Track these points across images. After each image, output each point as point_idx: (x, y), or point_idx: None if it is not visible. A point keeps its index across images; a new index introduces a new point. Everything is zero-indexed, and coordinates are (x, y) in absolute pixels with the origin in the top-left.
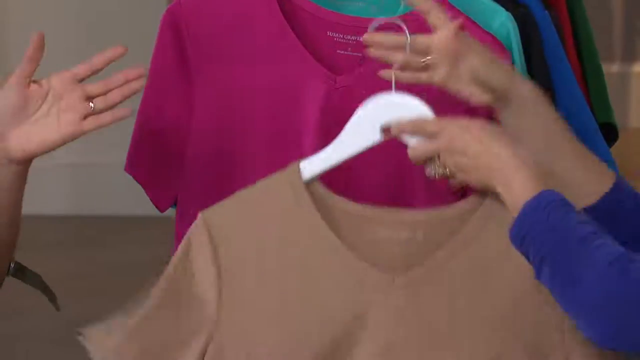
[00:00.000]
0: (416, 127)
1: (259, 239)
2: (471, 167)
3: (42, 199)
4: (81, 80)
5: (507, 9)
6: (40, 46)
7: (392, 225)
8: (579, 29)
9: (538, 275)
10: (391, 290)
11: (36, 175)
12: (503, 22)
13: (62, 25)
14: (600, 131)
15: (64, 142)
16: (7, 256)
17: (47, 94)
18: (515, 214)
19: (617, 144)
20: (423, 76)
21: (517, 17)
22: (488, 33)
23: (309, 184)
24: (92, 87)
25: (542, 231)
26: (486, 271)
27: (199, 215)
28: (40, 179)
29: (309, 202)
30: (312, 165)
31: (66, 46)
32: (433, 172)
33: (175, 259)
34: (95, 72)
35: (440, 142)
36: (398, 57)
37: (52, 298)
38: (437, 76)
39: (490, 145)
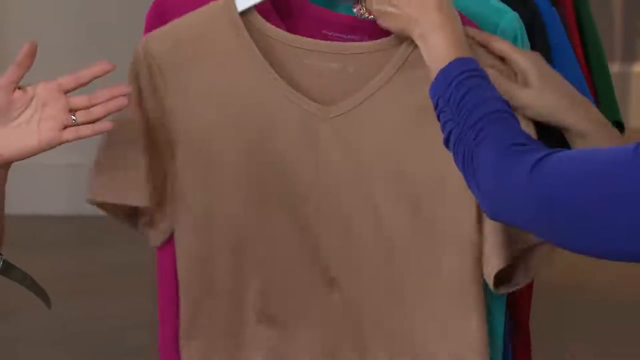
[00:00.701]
0: None
1: (197, 64)
2: (393, 15)
3: (42, 199)
4: (67, 91)
5: (515, 7)
6: (31, 54)
7: (324, 56)
8: (585, 28)
9: (445, 142)
10: (325, 120)
11: (36, 175)
12: (510, 22)
13: (62, 26)
14: None
15: (41, 150)
16: None
17: (31, 101)
18: (431, 74)
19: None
20: (517, 91)
21: (525, 16)
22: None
23: (244, 13)
24: (77, 100)
25: (450, 104)
26: (414, 94)
27: (143, 39)
28: (40, 179)
29: (244, 31)
30: None
31: (66, 46)
32: (361, 11)
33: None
34: (81, 86)
35: None
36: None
37: (43, 296)
38: (529, 96)
39: (424, 4)
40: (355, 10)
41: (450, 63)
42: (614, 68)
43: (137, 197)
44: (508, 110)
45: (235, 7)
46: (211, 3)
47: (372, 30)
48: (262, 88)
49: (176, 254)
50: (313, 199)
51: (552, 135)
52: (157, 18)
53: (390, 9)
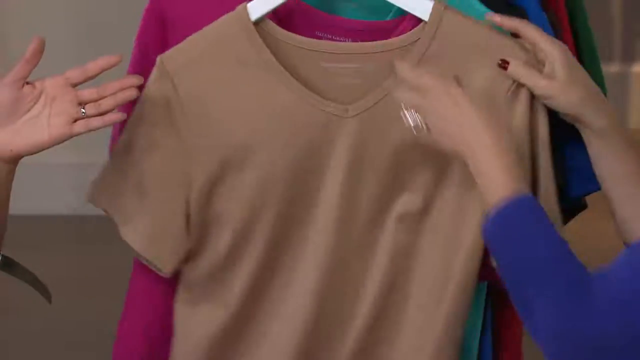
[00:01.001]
0: (408, 77)
1: (214, 78)
2: (447, 134)
3: (42, 199)
4: (75, 85)
5: (502, 12)
6: (39, 50)
7: (341, 57)
8: (580, 30)
9: (503, 284)
10: (345, 119)
11: (36, 175)
12: (495, 29)
13: (62, 26)
14: None
15: (52, 144)
16: None
17: (39, 96)
18: (484, 201)
19: None
20: (541, 80)
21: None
22: None
23: (258, 22)
24: (85, 93)
25: (505, 247)
26: None
27: (158, 59)
28: (41, 179)
29: (258, 39)
30: (260, 5)
31: (66, 46)
32: (409, 120)
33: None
34: (88, 79)
35: (424, 101)
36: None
37: (44, 292)
38: (554, 87)
39: (474, 121)
40: (402, 114)
41: (506, 205)
42: (613, 68)
43: (143, 247)
44: (565, 250)
45: (248, 17)
46: (225, 15)
47: (368, 33)
48: (280, 94)
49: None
50: (336, 199)
51: (565, 129)
52: (154, 12)
53: (443, 126)
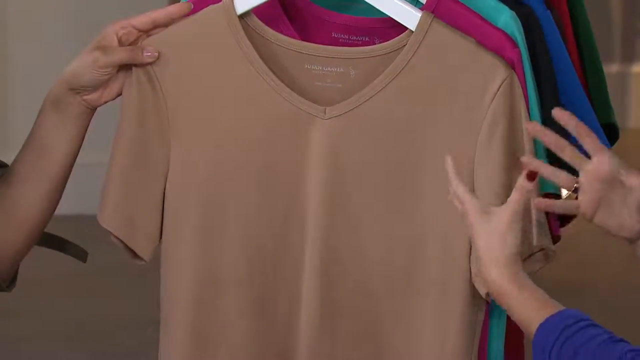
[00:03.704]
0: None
1: (195, 70)
2: (479, 273)
3: None
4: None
5: (509, 8)
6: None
7: (325, 61)
8: (580, 29)
9: None
10: (321, 120)
11: None
12: (507, 20)
13: (62, 26)
14: (602, 131)
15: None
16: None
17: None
18: (525, 329)
19: (616, 144)
20: (572, 205)
21: (520, 17)
22: (499, 29)
23: (243, 16)
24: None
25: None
26: (414, 100)
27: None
28: None
29: (242, 34)
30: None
31: (66, 46)
32: None
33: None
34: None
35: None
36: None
37: (74, 252)
38: (585, 203)
39: (487, 269)
40: None
41: (546, 324)
42: (613, 69)
43: (145, 251)
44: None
45: (234, 11)
46: (210, 6)
47: (381, 31)
48: (259, 89)
49: (168, 260)
50: (304, 199)
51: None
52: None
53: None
